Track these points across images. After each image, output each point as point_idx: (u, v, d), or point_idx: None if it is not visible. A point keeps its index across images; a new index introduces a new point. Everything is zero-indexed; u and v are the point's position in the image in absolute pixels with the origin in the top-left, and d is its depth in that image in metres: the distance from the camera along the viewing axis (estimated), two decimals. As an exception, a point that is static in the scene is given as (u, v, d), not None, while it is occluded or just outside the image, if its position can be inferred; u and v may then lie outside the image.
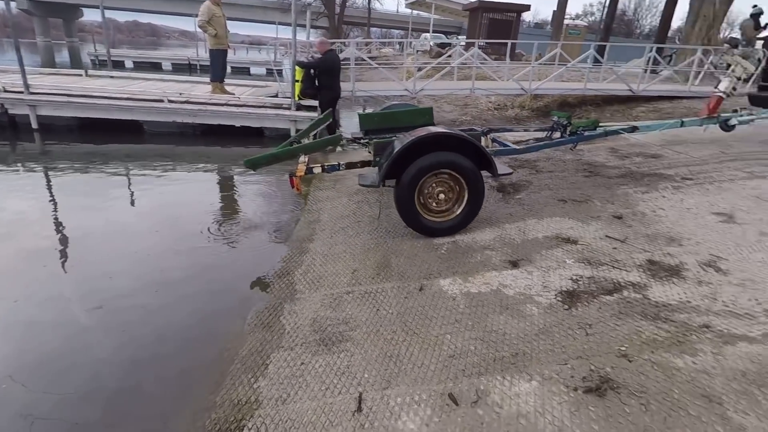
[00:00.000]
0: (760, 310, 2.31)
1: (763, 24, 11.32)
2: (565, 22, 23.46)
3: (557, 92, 9.65)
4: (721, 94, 5.71)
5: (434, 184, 3.27)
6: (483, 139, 4.20)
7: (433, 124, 3.85)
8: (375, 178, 3.38)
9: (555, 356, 2.04)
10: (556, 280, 2.68)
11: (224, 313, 2.77)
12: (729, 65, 5.86)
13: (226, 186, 5.60)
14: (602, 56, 11.00)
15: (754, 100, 6.07)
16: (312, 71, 7.78)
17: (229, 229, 4.01)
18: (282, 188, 5.28)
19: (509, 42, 9.69)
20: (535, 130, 5.11)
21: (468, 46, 13.02)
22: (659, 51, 12.87)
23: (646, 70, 10.34)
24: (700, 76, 10.36)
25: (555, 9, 21.65)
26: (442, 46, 20.77)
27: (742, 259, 2.81)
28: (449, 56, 11.00)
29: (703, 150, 5.41)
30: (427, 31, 36.15)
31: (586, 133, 4.57)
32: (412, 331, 2.30)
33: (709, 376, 1.87)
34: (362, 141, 4.11)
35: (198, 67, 21.47)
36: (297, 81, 7.85)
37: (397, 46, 16.88)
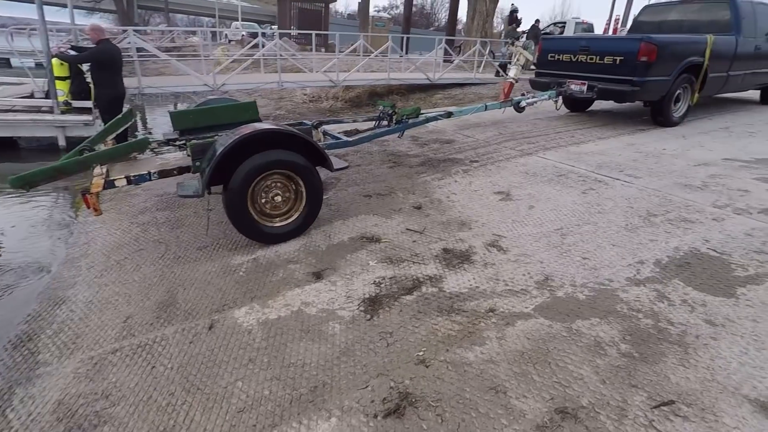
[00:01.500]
0: (532, 283, 2.55)
1: (519, 19, 13.47)
2: (372, 13, 24.56)
3: (365, 83, 9.92)
4: (511, 80, 6.60)
5: (269, 186, 3.00)
6: (314, 132, 4.03)
7: (258, 120, 3.54)
8: (197, 186, 2.93)
9: (356, 380, 1.89)
10: (360, 287, 2.57)
11: None
12: (513, 55, 6.84)
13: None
14: (405, 47, 11.71)
15: (534, 85, 7.14)
16: (83, 65, 6.41)
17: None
18: (69, 212, 4.24)
19: (313, 33, 9.54)
20: (363, 120, 5.14)
21: (281, 36, 12.56)
22: (451, 42, 14.33)
23: (440, 61, 11.35)
24: (482, 64, 11.83)
25: (360, 1, 22.42)
26: (256, 35, 19.81)
27: (517, 235, 3.12)
28: (254, 46, 10.37)
29: (486, 132, 6.07)
30: (237, 20, 34.17)
31: (410, 121, 4.72)
32: (195, 387, 1.91)
33: (494, 364, 1.94)
34: (177, 143, 3.59)
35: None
36: (65, 78, 6.42)
37: (209, 35, 15.36)
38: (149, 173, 3.03)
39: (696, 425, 1.63)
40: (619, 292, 2.42)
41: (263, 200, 3.03)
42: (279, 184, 3.05)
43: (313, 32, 10.25)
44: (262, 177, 2.95)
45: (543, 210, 3.48)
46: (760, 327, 2.12)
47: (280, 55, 8.78)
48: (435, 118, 5.08)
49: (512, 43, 6.64)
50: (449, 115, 5.22)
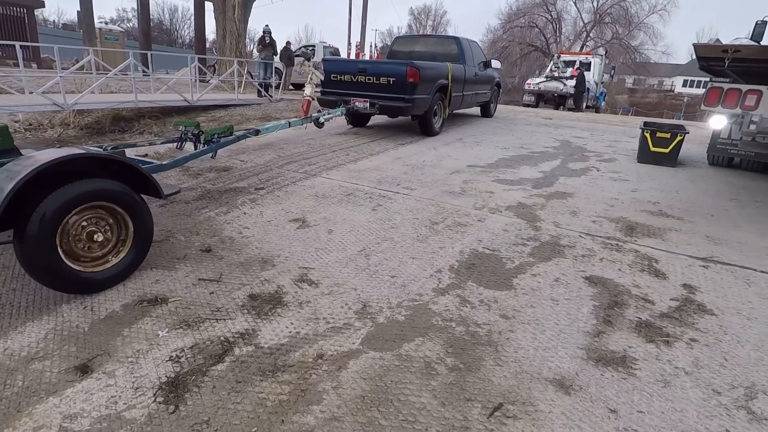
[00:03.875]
0: (352, 314, 2.44)
1: (267, 42, 13.53)
2: (98, 25, 21.14)
3: (104, 106, 8.33)
4: (308, 97, 7.07)
5: (83, 224, 2.46)
6: None
7: (14, 149, 2.87)
8: None
9: None
10: (151, 369, 1.99)
11: None
12: (306, 74, 7.13)
13: None
14: (150, 65, 10.39)
15: (322, 102, 7.49)
16: None
17: None
18: None
19: (17, 44, 7.45)
20: (162, 143, 4.89)
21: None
22: (203, 61, 13.46)
23: (195, 80, 10.48)
24: (243, 85, 11.48)
25: (79, 9, 18.96)
26: None
27: (324, 264, 2.99)
28: None
29: (264, 155, 5.82)
30: None
31: (222, 140, 4.60)
32: None
33: (339, 421, 1.74)
34: None
35: None
36: None
37: None
38: None
39: (524, 422, 1.77)
40: (431, 305, 2.54)
41: (78, 242, 2.47)
42: (96, 220, 2.53)
43: (18, 43, 7.99)
44: (75, 212, 2.40)
45: (342, 233, 3.46)
46: (537, 311, 2.52)
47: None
48: (244, 136, 5.00)
49: (302, 63, 7.11)
50: (257, 132, 5.21)
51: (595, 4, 40.88)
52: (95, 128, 8.67)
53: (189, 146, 4.66)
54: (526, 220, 3.84)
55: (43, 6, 20.63)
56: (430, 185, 4.73)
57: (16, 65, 8.68)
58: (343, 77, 7.30)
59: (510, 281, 2.83)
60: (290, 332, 2.28)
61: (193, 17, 22.41)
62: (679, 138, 6.19)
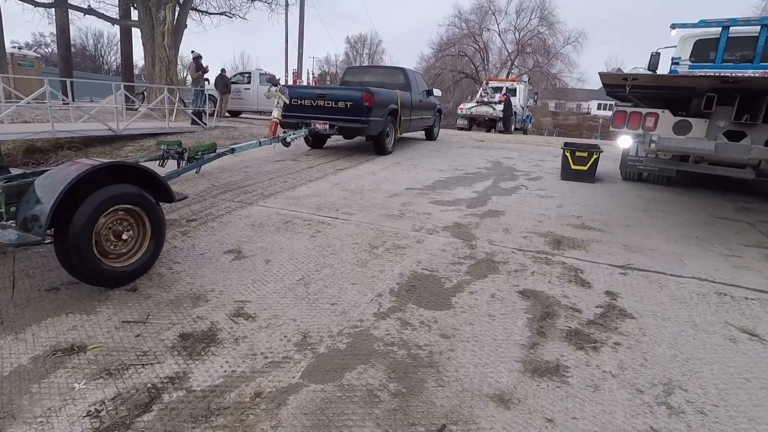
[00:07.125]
0: (291, 347, 2.37)
1: (204, 66, 13.25)
2: (10, 50, 19.65)
3: (15, 137, 7.69)
4: (276, 119, 7.55)
5: (111, 225, 2.83)
6: None
7: (6, 168, 3.50)
8: (14, 234, 2.45)
9: None
10: (66, 428, 1.80)
11: None
12: (274, 98, 7.60)
13: None
14: (67, 93, 9.79)
15: (284, 125, 7.87)
16: None
17: None
18: None
19: None
20: (146, 161, 4.97)
21: None
22: (131, 89, 12.86)
23: (121, 108, 9.97)
24: (174, 112, 11.07)
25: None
26: None
27: (262, 295, 2.89)
28: None
29: (197, 185, 5.60)
30: None
31: (206, 156, 5.23)
32: None
33: (279, 462, 1.66)
34: None
35: None
36: None
37: None
38: None
39: (467, 440, 1.79)
40: (372, 330, 2.52)
41: (107, 240, 2.82)
42: (121, 222, 2.89)
43: None
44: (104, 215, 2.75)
45: (280, 262, 3.38)
46: (476, 328, 2.58)
47: None
48: (223, 154, 5.63)
49: (268, 89, 7.52)
50: (232, 151, 5.85)
51: (517, 35, 44.34)
52: (7, 159, 7.94)
53: (171, 163, 5.09)
54: (462, 239, 3.96)
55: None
56: (369, 209, 4.76)
57: None
58: (304, 102, 7.90)
59: (449, 300, 2.88)
60: (225, 372, 2.16)
61: (119, 43, 21.46)
62: (595, 156, 6.71)
